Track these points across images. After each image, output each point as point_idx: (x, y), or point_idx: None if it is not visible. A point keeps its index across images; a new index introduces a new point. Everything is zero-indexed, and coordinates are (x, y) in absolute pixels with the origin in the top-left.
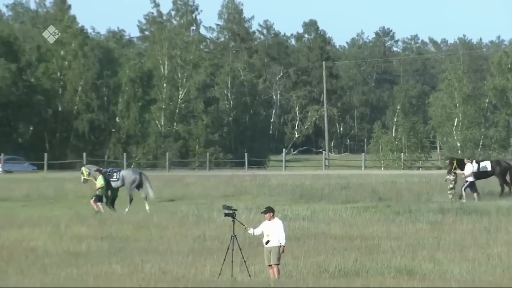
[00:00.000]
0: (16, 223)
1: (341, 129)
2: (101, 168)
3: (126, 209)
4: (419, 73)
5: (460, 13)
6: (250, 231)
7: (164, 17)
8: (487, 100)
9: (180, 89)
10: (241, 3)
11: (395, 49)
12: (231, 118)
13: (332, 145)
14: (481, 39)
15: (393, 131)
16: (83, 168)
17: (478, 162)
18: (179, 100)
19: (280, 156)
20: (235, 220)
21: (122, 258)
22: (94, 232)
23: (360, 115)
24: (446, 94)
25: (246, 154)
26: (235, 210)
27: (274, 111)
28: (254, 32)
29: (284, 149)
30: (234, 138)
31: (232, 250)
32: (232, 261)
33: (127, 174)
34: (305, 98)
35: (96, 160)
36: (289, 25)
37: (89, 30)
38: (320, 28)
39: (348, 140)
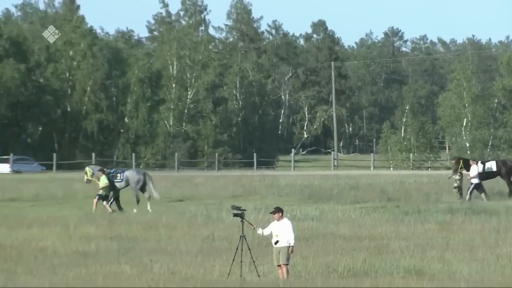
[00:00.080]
0: (25, 223)
1: (350, 129)
2: (104, 168)
3: (135, 210)
4: (428, 73)
5: (469, 13)
6: (259, 231)
7: (173, 17)
8: (496, 101)
9: (189, 89)
10: (249, 3)
11: (404, 49)
12: (240, 118)
13: (341, 145)
14: (490, 39)
15: (402, 131)
16: (87, 168)
17: (483, 163)
18: (188, 100)
19: (289, 156)
20: (244, 220)
21: (131, 258)
22: (103, 232)
23: (369, 115)
24: (455, 94)
25: (255, 154)
26: (244, 210)
27: (283, 111)
28: (262, 32)
29: (293, 149)
30: (243, 138)
31: (241, 250)
32: (241, 261)
33: (131, 175)
34: (314, 98)
35: (105, 160)
36: (297, 25)
37: (98, 31)
38: (328, 28)
39: (357, 140)
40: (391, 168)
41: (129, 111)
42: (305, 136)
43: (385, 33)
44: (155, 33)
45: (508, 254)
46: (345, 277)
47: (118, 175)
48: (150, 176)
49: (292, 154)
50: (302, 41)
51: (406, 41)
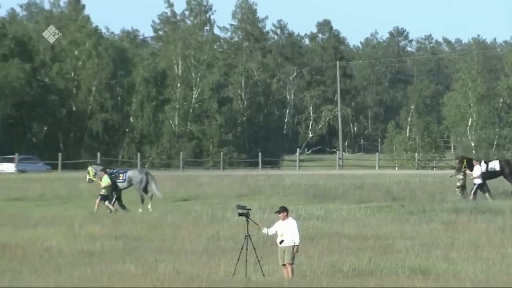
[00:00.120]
0: (30, 222)
1: (355, 129)
2: (106, 168)
3: (140, 209)
4: (433, 73)
5: (474, 13)
6: (264, 230)
7: (178, 17)
8: (501, 100)
9: (194, 89)
10: (255, 3)
11: (409, 49)
12: (245, 118)
13: (346, 145)
14: (495, 39)
15: (407, 131)
16: (89, 168)
17: (486, 162)
18: (193, 100)
19: (294, 156)
20: (249, 219)
21: (136, 257)
22: (108, 232)
23: (374, 115)
24: (460, 94)
25: (260, 154)
26: (249, 209)
27: (288, 111)
28: (268, 32)
29: (298, 149)
30: (248, 138)
31: (246, 249)
32: (246, 261)
33: (133, 174)
34: (319, 98)
35: (110, 160)
36: (303, 25)
37: (103, 30)
38: (334, 28)
39: (362, 140)
40: (396, 168)
41: (134, 110)
42: (310, 135)
43: (390, 33)
44: (160, 32)
45: None
46: (350, 276)
47: (121, 175)
48: (153, 176)
49: (297, 153)
50: (307, 41)
51: (411, 40)
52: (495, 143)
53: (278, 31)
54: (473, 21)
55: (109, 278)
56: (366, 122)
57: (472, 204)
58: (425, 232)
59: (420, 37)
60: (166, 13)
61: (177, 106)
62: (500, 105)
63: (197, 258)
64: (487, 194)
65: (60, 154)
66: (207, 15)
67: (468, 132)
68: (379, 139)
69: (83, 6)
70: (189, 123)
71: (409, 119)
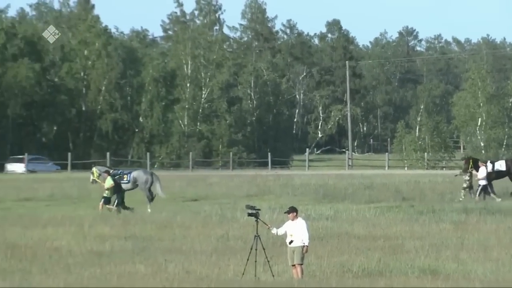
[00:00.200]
0: (40, 222)
1: (365, 128)
2: (110, 170)
3: (149, 209)
4: (442, 72)
5: (483, 12)
6: (274, 231)
7: (188, 17)
8: (510, 100)
9: (203, 88)
10: (264, 3)
11: (418, 48)
12: (254, 118)
13: (355, 144)
14: (504, 39)
15: (417, 130)
16: (94, 169)
17: (492, 162)
18: (202, 99)
19: (303, 156)
20: (258, 220)
21: (145, 257)
22: (118, 232)
23: (384, 114)
24: (469, 94)
25: (269, 153)
26: (259, 210)
27: (297, 110)
28: (277, 32)
29: (307, 149)
30: (257, 138)
31: (256, 250)
32: (256, 261)
33: (138, 175)
34: (329, 97)
35: (119, 160)
36: (312, 25)
37: (113, 30)
38: (343, 28)
39: (371, 140)
40: (406, 168)
41: (143, 110)
42: (320, 135)
43: (400, 33)
44: (170, 32)
45: None
46: (360, 276)
47: (125, 176)
48: (157, 176)
49: (307, 153)
50: (316, 41)
51: (420, 40)
52: (504, 143)
53: (288, 30)
54: (483, 20)
55: (118, 278)
56: (375, 122)
57: (482, 204)
58: (435, 232)
59: (429, 37)
60: (176, 12)
61: (187, 106)
62: (510, 105)
63: (207, 258)
64: (492, 195)
65: (69, 154)
66: (217, 15)
67: (478, 132)
68: (389, 139)
69: (93, 6)
70: (198, 123)
71: (419, 119)
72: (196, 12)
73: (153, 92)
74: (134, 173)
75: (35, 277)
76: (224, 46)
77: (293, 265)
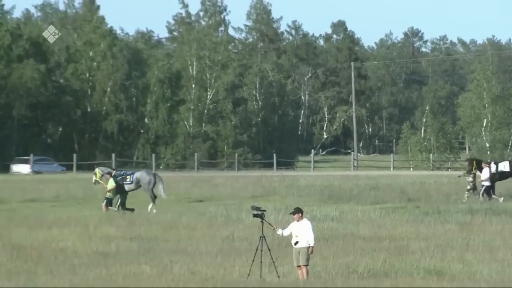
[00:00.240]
0: (45, 223)
1: (370, 129)
2: (112, 171)
3: (154, 210)
4: (448, 73)
5: (489, 13)
6: (279, 232)
7: (193, 18)
8: None
9: (208, 89)
10: (269, 4)
11: (423, 49)
12: (259, 119)
13: (360, 145)
14: (510, 40)
15: (422, 131)
16: (97, 169)
17: (496, 163)
18: (208, 100)
19: (308, 157)
20: (263, 221)
21: (151, 258)
22: (123, 233)
23: (389, 115)
24: (475, 95)
25: (274, 154)
26: (264, 211)
27: (302, 111)
28: (282, 33)
29: (312, 150)
30: (263, 139)
31: (261, 251)
32: (261, 262)
33: (141, 176)
34: (334, 98)
35: (124, 161)
36: (317, 26)
37: (118, 31)
38: (348, 29)
39: (376, 141)
40: (411, 169)
41: (149, 111)
42: (325, 136)
43: (405, 34)
44: (175, 33)
45: None
46: (365, 277)
47: (128, 177)
48: (160, 177)
49: (312, 154)
50: (321, 42)
51: (426, 41)
52: (510, 144)
53: (293, 31)
54: (488, 21)
55: (124, 279)
56: (380, 123)
57: (487, 205)
58: (440, 233)
59: (435, 38)
60: (181, 13)
61: (192, 107)
62: None
63: (212, 259)
64: (494, 196)
65: (75, 155)
66: (222, 16)
67: (483, 132)
68: (394, 140)
69: (98, 7)
70: (203, 124)
71: (424, 120)
72: (201, 13)
73: (158, 93)
74: (137, 174)
75: (41, 278)
76: (229, 47)
77: (299, 266)
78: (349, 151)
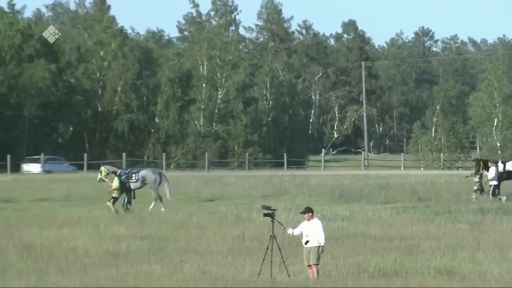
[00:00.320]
0: (56, 223)
1: (380, 129)
2: (117, 171)
3: (162, 208)
4: (458, 73)
5: (499, 13)
6: (289, 231)
7: (203, 18)
8: None
9: (219, 89)
10: (280, 3)
11: (434, 49)
12: (270, 118)
13: (371, 145)
14: None
15: (433, 131)
16: (102, 168)
17: (504, 163)
18: (218, 100)
19: (319, 156)
20: (274, 220)
21: (161, 258)
22: (134, 232)
23: (400, 115)
24: (485, 94)
25: (285, 154)
26: (274, 210)
27: (313, 111)
28: (293, 32)
29: (323, 149)
30: (273, 138)
31: (271, 250)
32: (272, 261)
33: (147, 174)
34: (344, 98)
35: (135, 160)
36: (328, 25)
37: (129, 31)
38: (359, 28)
39: (387, 140)
40: (422, 168)
41: (159, 111)
42: (335, 136)
43: (416, 33)
44: (186, 33)
45: None
46: (376, 277)
47: (133, 175)
48: (166, 177)
49: (323, 154)
50: (332, 41)
51: (436, 41)
52: None
53: (304, 31)
54: (499, 21)
55: (134, 278)
56: (391, 123)
57: (498, 205)
58: (451, 232)
59: (445, 37)
60: (192, 13)
61: (202, 107)
62: None
63: (223, 259)
64: (499, 197)
65: (85, 155)
66: (233, 16)
67: (494, 132)
68: (405, 140)
69: (109, 7)
70: (214, 124)
71: (435, 120)
72: (212, 13)
73: (169, 92)
74: (143, 172)
75: (51, 277)
76: (240, 47)
77: (309, 266)
78: (359, 150)
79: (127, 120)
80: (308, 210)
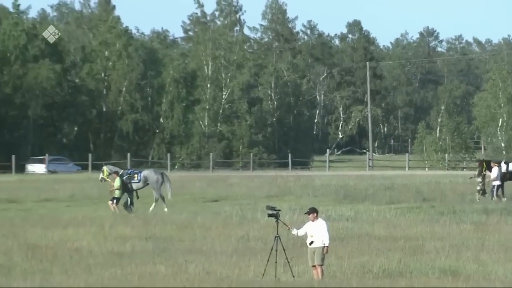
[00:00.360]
0: (61, 223)
1: (385, 129)
2: (119, 171)
3: (165, 209)
4: (463, 73)
5: (504, 13)
6: (294, 231)
7: (208, 18)
8: None
9: (223, 89)
10: (284, 3)
11: (439, 49)
12: (274, 119)
13: (376, 145)
14: None
15: (437, 131)
16: (104, 167)
17: (507, 163)
18: (223, 100)
19: (323, 157)
20: (278, 220)
21: (166, 258)
22: (138, 233)
23: (404, 115)
24: (490, 95)
25: (289, 154)
26: (279, 210)
27: (317, 111)
28: (297, 33)
29: (327, 150)
30: (278, 139)
31: (276, 250)
32: (276, 262)
33: (149, 174)
34: (349, 98)
35: (140, 161)
36: (332, 26)
37: (133, 31)
38: (364, 29)
39: (392, 141)
40: (426, 169)
41: (164, 111)
42: (340, 136)
43: (421, 33)
44: (190, 33)
45: None
46: (380, 277)
47: (135, 175)
48: (168, 177)
49: (327, 154)
50: (337, 41)
51: (441, 41)
52: None
53: (308, 31)
54: (504, 21)
55: (139, 279)
56: (396, 123)
57: (502, 205)
58: (455, 233)
59: (450, 38)
60: (196, 13)
61: (207, 107)
62: None
63: (227, 259)
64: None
65: (90, 155)
66: (237, 16)
67: (499, 132)
68: (409, 140)
69: (114, 7)
70: (219, 124)
71: (439, 120)
72: (217, 13)
73: (174, 93)
74: (145, 172)
75: (56, 277)
76: (245, 47)
77: (314, 266)
78: (364, 151)
79: (131, 120)
80: (313, 211)
